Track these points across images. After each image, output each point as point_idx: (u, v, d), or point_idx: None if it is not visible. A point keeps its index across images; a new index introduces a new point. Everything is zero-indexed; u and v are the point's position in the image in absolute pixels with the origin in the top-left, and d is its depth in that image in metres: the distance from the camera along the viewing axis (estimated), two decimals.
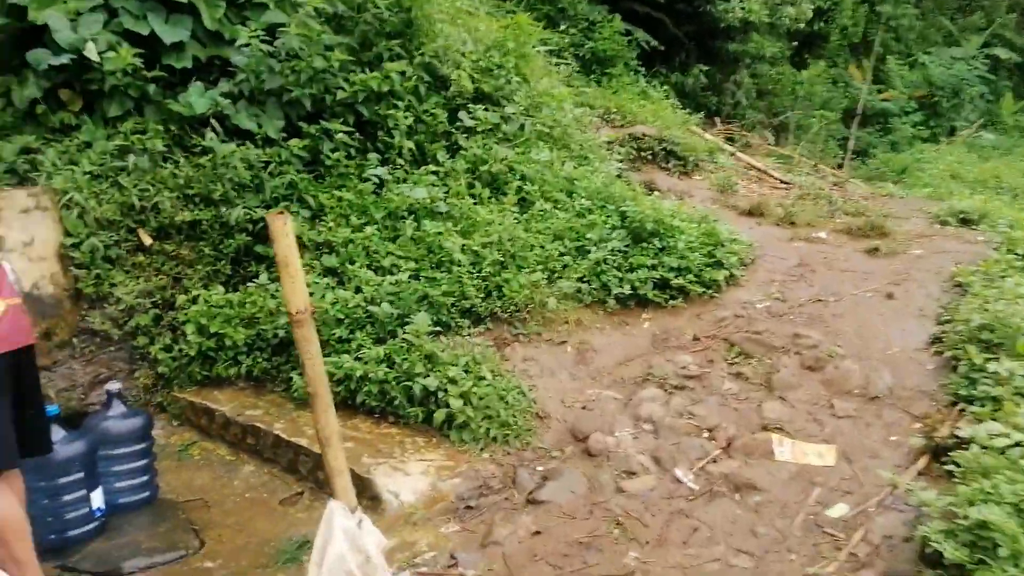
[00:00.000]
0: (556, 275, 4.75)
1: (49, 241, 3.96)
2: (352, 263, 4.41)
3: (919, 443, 3.12)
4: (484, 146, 5.46)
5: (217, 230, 4.56)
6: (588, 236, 5.05)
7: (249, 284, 4.41)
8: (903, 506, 2.79)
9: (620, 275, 4.84)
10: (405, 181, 5.11)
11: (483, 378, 3.72)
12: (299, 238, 4.58)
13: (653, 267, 4.89)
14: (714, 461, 3.25)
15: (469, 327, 4.32)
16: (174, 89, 4.86)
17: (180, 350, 4.18)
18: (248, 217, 4.58)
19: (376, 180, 4.98)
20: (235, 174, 4.55)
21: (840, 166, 12.43)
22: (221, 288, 4.45)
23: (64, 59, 4.37)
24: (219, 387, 4.19)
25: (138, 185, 4.37)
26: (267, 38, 4.93)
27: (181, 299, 4.31)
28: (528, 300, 4.46)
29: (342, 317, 4.03)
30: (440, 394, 3.63)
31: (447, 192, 5.09)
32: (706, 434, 3.46)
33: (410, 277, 4.30)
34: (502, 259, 4.58)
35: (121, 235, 4.29)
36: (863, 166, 13.49)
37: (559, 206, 5.41)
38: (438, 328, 4.18)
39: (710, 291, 4.95)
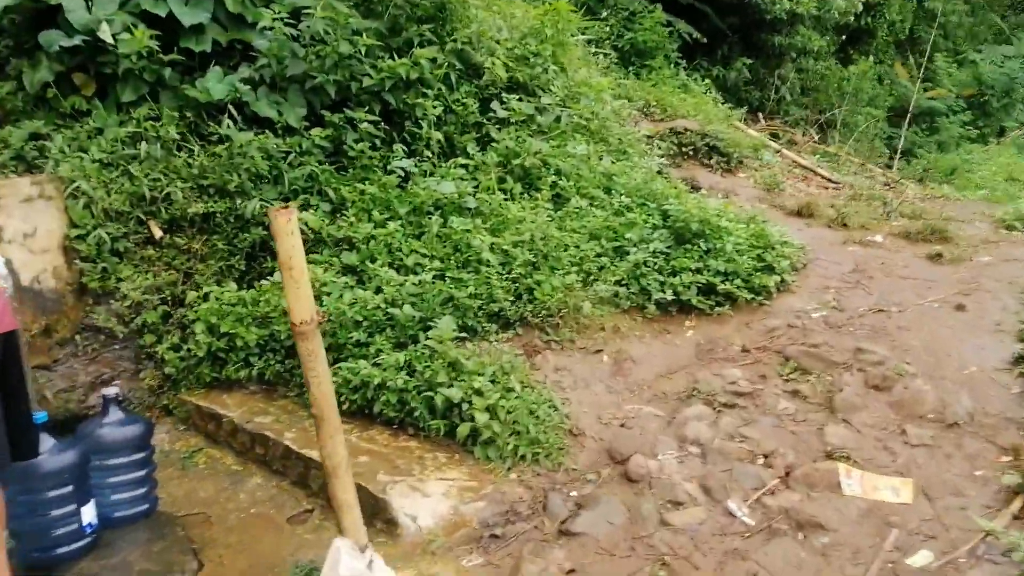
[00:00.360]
0: (592, 277, 4.41)
1: (53, 232, 3.73)
2: (373, 261, 4.11)
3: (1013, 481, 2.73)
4: (517, 138, 5.13)
5: (232, 223, 4.29)
6: (627, 236, 4.69)
7: (264, 281, 4.13)
8: (999, 557, 2.40)
9: (661, 279, 4.47)
10: (432, 175, 4.80)
11: (511, 390, 3.39)
12: (318, 233, 4.31)
13: (698, 271, 4.51)
14: (772, 492, 2.88)
15: (497, 332, 4.00)
16: (192, 74, 4.60)
17: (188, 350, 3.92)
18: (265, 210, 4.31)
19: (401, 173, 4.68)
20: (252, 164, 4.28)
21: (889, 166, 11.88)
22: (234, 285, 4.19)
23: (77, 41, 4.13)
24: (228, 390, 3.93)
25: (150, 174, 4.12)
26: (291, 21, 4.66)
27: (191, 296, 4.05)
28: (561, 304, 4.12)
29: (360, 319, 3.73)
30: (464, 406, 3.30)
31: (476, 187, 4.77)
32: (761, 460, 3.08)
33: (434, 277, 3.99)
34: (534, 259, 4.25)
35: (130, 227, 4.04)
36: (908, 166, 12.88)
37: (596, 203, 5.06)
38: (463, 333, 3.86)
39: (759, 298, 4.56)
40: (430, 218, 4.35)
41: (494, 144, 5.09)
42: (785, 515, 2.75)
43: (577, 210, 4.88)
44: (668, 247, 4.67)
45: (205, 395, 3.90)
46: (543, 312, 4.09)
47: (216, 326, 3.91)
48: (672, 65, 10.26)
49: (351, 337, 3.69)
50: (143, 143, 4.16)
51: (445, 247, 4.23)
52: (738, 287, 4.50)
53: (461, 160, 4.90)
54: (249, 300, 4.01)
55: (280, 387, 3.93)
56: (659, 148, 6.76)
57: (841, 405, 3.39)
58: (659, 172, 5.95)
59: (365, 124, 4.64)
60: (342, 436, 2.20)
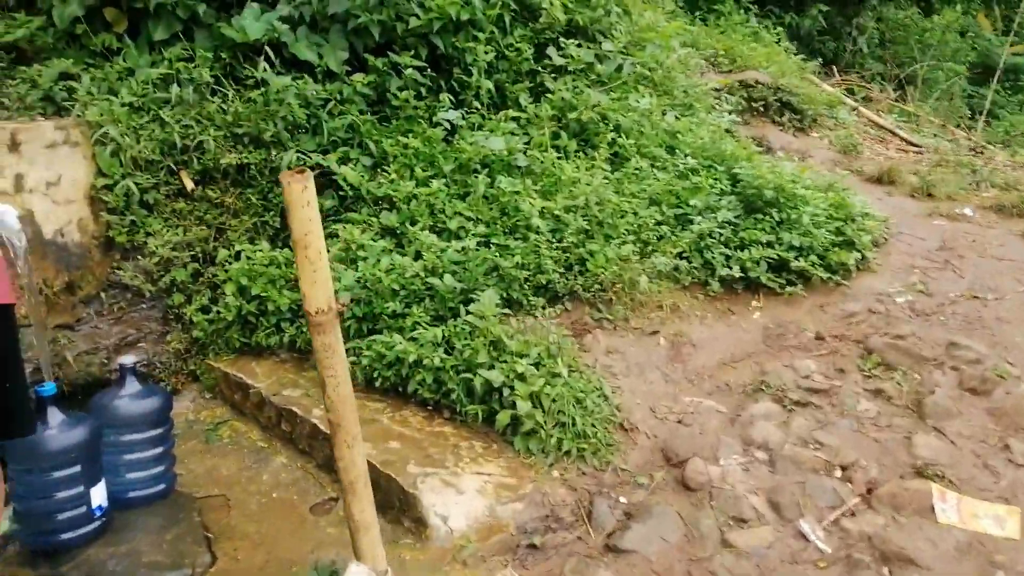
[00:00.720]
0: (650, 248, 4.02)
1: (78, 181, 3.50)
2: (413, 223, 3.79)
3: None
4: (574, 89, 4.70)
5: (267, 176, 4.01)
6: (691, 202, 4.27)
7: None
8: None
9: (728, 252, 4.06)
10: (481, 128, 4.42)
11: (558, 375, 3.07)
12: (357, 190, 4.00)
13: (769, 244, 4.08)
14: (851, 514, 2.54)
15: (544, 307, 3.67)
16: (229, 11, 4.28)
17: (217, 312, 3.70)
18: (302, 163, 4.01)
19: (447, 126, 4.32)
20: (289, 112, 3.97)
21: (970, 128, 10.97)
22: (267, 244, 3.94)
23: None
24: (258, 357, 3.71)
25: (181, 120, 3.84)
26: None
27: (222, 254, 3.81)
28: (616, 278, 3.76)
29: (397, 288, 3.43)
30: (505, 391, 3.01)
31: (528, 143, 4.38)
32: (839, 473, 2.73)
33: (479, 244, 3.66)
34: (587, 227, 3.88)
35: (160, 177, 3.79)
36: (988, 129, 11.90)
37: (658, 164, 4.63)
38: (507, 307, 3.55)
39: (836, 277, 4.12)
40: (476, 177, 3.99)
41: (548, 95, 4.67)
42: (867, 543, 2.41)
43: (637, 171, 4.47)
44: (737, 216, 4.23)
45: (233, 362, 3.69)
46: (595, 286, 3.74)
47: (247, 288, 3.68)
48: (742, 11, 9.51)
49: (387, 307, 3.41)
50: (175, 86, 3.88)
51: (491, 210, 3.88)
52: (813, 264, 4.06)
53: (512, 112, 4.50)
54: (282, 261, 3.76)
55: (311, 356, 3.69)
56: (728, 103, 6.22)
57: (932, 410, 2.99)
58: (728, 130, 5.45)
59: (410, 70, 4.27)
60: (362, 446, 1.93)
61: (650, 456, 2.90)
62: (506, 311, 3.47)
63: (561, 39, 4.89)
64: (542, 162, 4.20)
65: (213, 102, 3.94)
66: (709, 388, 3.30)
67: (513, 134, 4.34)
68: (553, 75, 4.81)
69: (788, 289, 4.01)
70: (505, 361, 3.10)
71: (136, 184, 3.68)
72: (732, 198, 4.33)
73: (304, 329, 3.65)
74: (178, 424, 3.43)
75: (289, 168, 3.94)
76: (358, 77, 4.24)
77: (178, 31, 4.06)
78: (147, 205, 3.77)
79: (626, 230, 3.98)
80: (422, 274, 3.46)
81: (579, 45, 4.93)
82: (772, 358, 3.46)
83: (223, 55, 4.11)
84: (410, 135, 4.21)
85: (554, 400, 2.97)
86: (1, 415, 2.09)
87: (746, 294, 4.01)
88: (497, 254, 3.61)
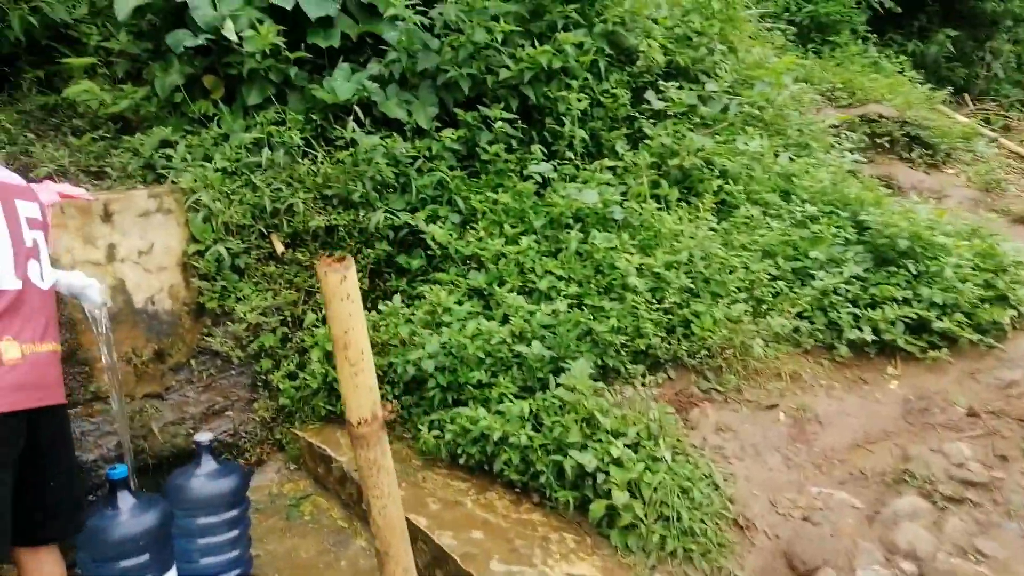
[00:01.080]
0: (765, 308, 3.61)
1: (171, 248, 3.51)
2: (501, 284, 3.58)
3: None
4: (675, 134, 4.39)
5: (355, 237, 3.92)
6: (811, 254, 3.83)
7: (386, 303, 3.73)
8: None
9: (857, 311, 3.59)
10: (574, 179, 4.19)
11: (659, 459, 2.72)
12: (445, 248, 3.84)
13: (905, 301, 3.58)
14: None
15: (644, 376, 3.33)
16: (321, 73, 4.29)
17: (304, 379, 3.59)
18: (390, 223, 3.90)
19: (539, 179, 4.11)
20: (377, 171, 3.88)
21: None
22: None
23: (201, 40, 3.91)
24: (344, 426, 3.54)
25: (272, 184, 3.82)
26: (424, 8, 4.21)
27: (310, 318, 3.72)
28: (725, 341, 3.38)
29: (483, 355, 3.20)
30: (599, 477, 2.69)
31: (624, 193, 4.11)
32: None
33: (570, 306, 3.39)
34: (691, 284, 3.53)
35: (252, 241, 3.77)
36: None
37: (771, 212, 4.22)
38: (603, 376, 3.25)
39: (988, 338, 3.56)
40: (568, 232, 3.74)
41: (647, 142, 4.38)
42: None
43: (747, 220, 4.08)
44: (865, 270, 3.76)
45: (318, 431, 3.55)
46: (702, 352, 3.38)
47: (332, 353, 3.55)
48: (860, 40, 8.91)
49: (472, 376, 3.18)
50: (266, 149, 3.88)
51: (585, 268, 3.61)
52: (959, 324, 3.52)
53: (608, 162, 4.24)
54: (368, 324, 3.61)
55: (397, 427, 3.51)
56: (848, 140, 5.70)
57: None
58: (850, 171, 4.95)
59: (500, 123, 4.11)
60: None
61: (771, 561, 2.48)
62: (600, 382, 3.16)
63: (660, 81, 4.61)
64: (640, 214, 3.90)
65: (303, 164, 3.91)
66: (840, 476, 2.84)
67: (609, 184, 4.08)
68: (652, 120, 4.53)
69: (931, 354, 3.48)
70: (599, 440, 2.78)
71: (227, 249, 3.67)
72: (859, 248, 3.86)
73: (389, 397, 3.48)
74: (261, 498, 3.33)
75: (377, 229, 3.88)
76: (447, 132, 4.12)
77: (271, 95, 4.09)
78: (238, 270, 3.74)
79: (736, 287, 3.60)
80: (509, 340, 3.21)
81: (680, 87, 4.64)
82: (916, 439, 2.96)
83: (314, 117, 4.10)
84: (500, 190, 4.03)
85: (655, 489, 2.62)
86: (50, 515, 2.01)
87: (880, 360, 3.51)
88: (591, 317, 3.32)
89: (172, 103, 4.17)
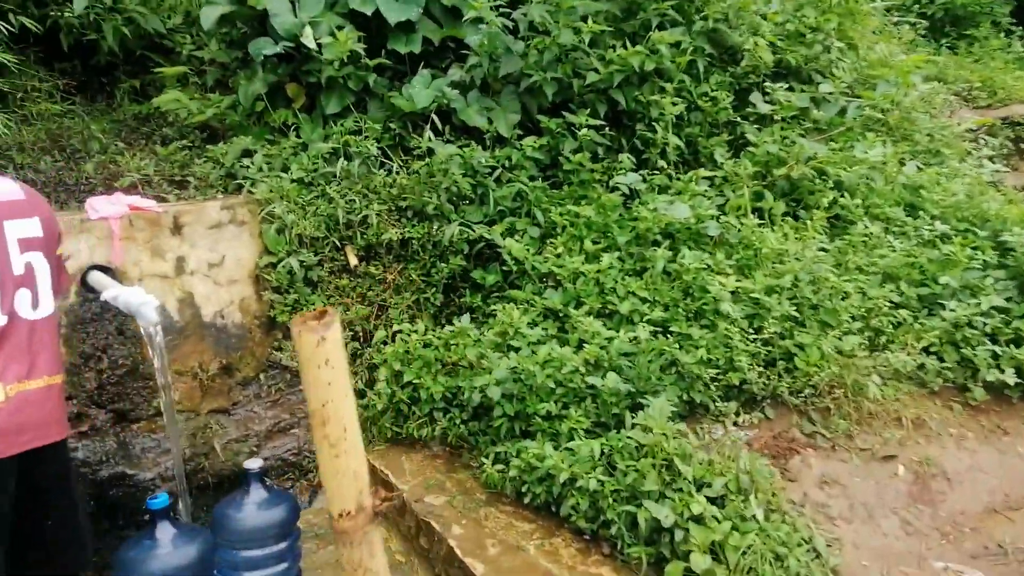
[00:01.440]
0: (884, 340, 3.15)
1: (243, 261, 3.45)
2: (579, 305, 3.29)
3: None
4: (783, 140, 3.96)
5: (429, 251, 3.74)
6: (942, 280, 3.32)
7: (456, 322, 3.52)
8: None
9: (997, 348, 3.06)
10: (667, 190, 3.84)
11: (749, 518, 2.36)
12: (521, 264, 3.59)
13: None
14: None
15: (736, 414, 2.96)
16: (401, 80, 4.15)
17: (371, 399, 3.44)
18: (465, 236, 3.70)
19: (626, 190, 3.79)
20: (452, 182, 3.69)
21: None
22: (429, 322, 3.65)
23: (279, 48, 3.85)
24: (410, 449, 3.38)
25: (347, 195, 3.71)
26: (508, 10, 3.99)
27: (379, 334, 3.57)
28: (835, 379, 2.95)
29: (554, 385, 2.93)
30: (678, 533, 2.36)
31: (723, 206, 3.73)
32: None
33: (654, 332, 3.06)
34: (796, 312, 3.11)
35: (326, 253, 3.66)
36: None
37: (894, 229, 3.73)
38: (689, 412, 2.91)
39: None
40: (656, 250, 3.40)
41: (750, 149, 3.97)
42: None
43: (865, 239, 3.61)
44: (1008, 299, 3.21)
45: (383, 453, 3.39)
46: (806, 389, 2.96)
47: (401, 372, 3.38)
48: (1003, 33, 7.99)
49: (541, 408, 2.91)
50: (342, 160, 3.77)
51: (672, 290, 3.27)
52: None
53: (704, 172, 3.87)
54: (440, 343, 3.42)
55: (465, 452, 3.29)
56: (987, 146, 5.03)
57: None
58: (991, 182, 4.33)
59: (585, 130, 3.82)
60: None
61: None
62: (685, 420, 2.82)
63: (767, 83, 4.18)
64: (739, 230, 3.51)
65: (378, 175, 3.77)
66: (972, 548, 2.37)
67: (704, 196, 3.71)
68: (756, 125, 4.12)
69: None
70: (679, 490, 2.45)
71: (300, 261, 3.57)
72: (1000, 274, 3.32)
73: (456, 421, 3.26)
74: (321, 522, 3.19)
75: (451, 242, 3.68)
76: (528, 141, 3.88)
77: (350, 103, 3.97)
78: (311, 282, 3.64)
79: (850, 316, 3.16)
80: (583, 370, 2.92)
81: (790, 88, 4.20)
82: None
83: (392, 125, 3.96)
84: (583, 202, 3.75)
85: (743, 554, 2.26)
86: (51, 551, 1.91)
87: (1022, 405, 2.97)
88: (676, 345, 2.98)
89: (256, 112, 4.14)
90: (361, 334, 3.66)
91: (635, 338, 2.99)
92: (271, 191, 3.64)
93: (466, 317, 3.41)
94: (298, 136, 3.93)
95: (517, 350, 3.08)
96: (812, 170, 3.83)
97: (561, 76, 3.95)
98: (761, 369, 2.98)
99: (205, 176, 3.88)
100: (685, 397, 2.94)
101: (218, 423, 3.24)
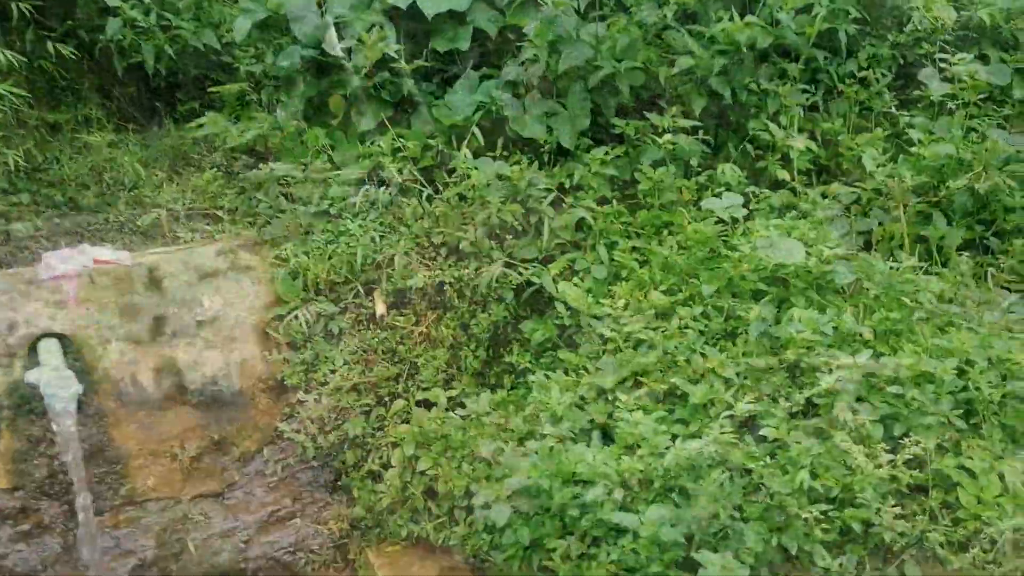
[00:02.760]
0: None
1: (244, 315, 2.92)
2: (638, 384, 2.39)
3: None
4: (965, 135, 2.77)
5: (467, 297, 3.01)
6: None
7: (495, 391, 2.78)
8: None
9: None
10: (788, 210, 2.80)
11: None
12: (577, 314, 2.76)
13: None
14: None
15: (858, 573, 1.93)
16: (451, 85, 3.45)
17: (380, 489, 2.78)
18: (509, 280, 2.92)
19: (726, 216, 2.79)
20: (493, 212, 2.92)
21: None
22: (465, 386, 2.93)
23: (295, 57, 3.30)
24: (428, 554, 2.70)
25: (370, 231, 3.08)
26: None
27: (396, 405, 2.90)
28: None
29: (578, 513, 2.08)
30: None
31: (868, 236, 2.63)
32: None
33: (738, 434, 2.09)
34: (964, 416, 2.00)
35: (348, 300, 3.06)
36: None
37: None
38: (782, 562, 1.94)
39: None
40: (753, 306, 2.41)
41: (914, 150, 2.80)
42: None
43: None
44: None
45: (396, 558, 2.73)
46: (974, 543, 1.87)
47: (415, 458, 2.70)
48: None
49: (557, 547, 2.08)
50: (364, 187, 3.15)
51: (770, 369, 2.26)
52: None
53: (840, 187, 2.77)
54: (472, 419, 2.67)
55: (489, 565, 2.54)
56: None
57: None
58: None
59: (668, 136, 2.88)
60: None
61: None
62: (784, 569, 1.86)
63: (943, 55, 2.96)
64: (883, 273, 2.41)
65: (409, 204, 3.09)
66: None
67: (837, 216, 2.64)
68: (925, 115, 2.92)
69: None
70: None
71: (318, 311, 3.00)
72: None
73: (480, 529, 2.51)
74: None
75: (491, 287, 2.92)
76: (597, 152, 3.02)
77: (383, 118, 3.33)
78: (330, 335, 3.05)
79: None
80: (616, 494, 2.04)
81: (980, 58, 2.95)
82: None
83: (432, 142, 3.26)
84: (661, 233, 2.82)
85: None
86: None
87: None
88: (764, 461, 2.01)
89: (298, 131, 3.64)
90: (388, 399, 3.02)
91: (701, 451, 2.05)
92: (287, 228, 3.11)
93: (485, 396, 2.63)
94: (331, 163, 3.37)
95: (527, 454, 2.26)
96: (1011, 179, 2.59)
97: (641, 66, 3.03)
98: (899, 507, 1.92)
99: (234, 208, 3.45)
100: (776, 542, 1.97)
101: (202, 512, 2.75)
